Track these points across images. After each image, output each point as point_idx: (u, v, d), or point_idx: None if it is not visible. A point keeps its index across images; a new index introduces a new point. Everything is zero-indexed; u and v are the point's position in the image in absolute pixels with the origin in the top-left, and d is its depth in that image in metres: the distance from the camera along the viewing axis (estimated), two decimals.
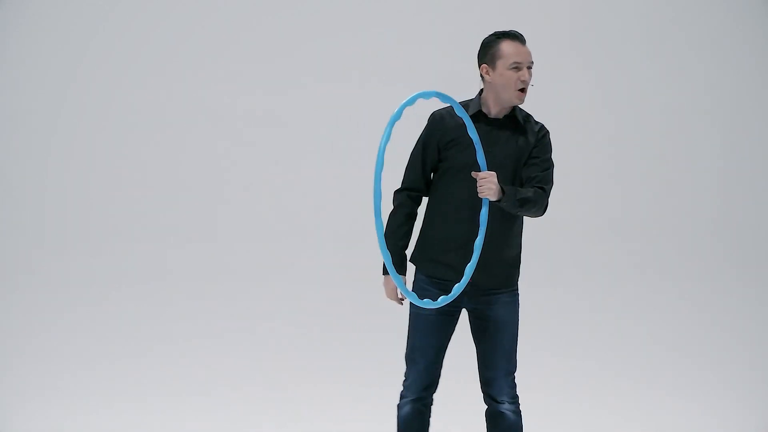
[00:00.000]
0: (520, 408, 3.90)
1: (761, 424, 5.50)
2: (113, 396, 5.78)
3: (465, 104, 3.79)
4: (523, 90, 3.71)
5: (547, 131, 3.87)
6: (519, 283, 3.88)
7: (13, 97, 6.43)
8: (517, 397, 3.91)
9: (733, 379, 5.93)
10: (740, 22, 6.52)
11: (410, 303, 3.80)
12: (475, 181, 3.62)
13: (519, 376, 5.95)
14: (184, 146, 6.44)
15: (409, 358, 3.85)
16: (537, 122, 3.87)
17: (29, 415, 5.59)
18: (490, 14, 6.48)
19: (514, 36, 3.71)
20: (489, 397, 3.89)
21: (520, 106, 3.80)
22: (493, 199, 3.60)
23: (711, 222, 6.44)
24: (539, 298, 6.27)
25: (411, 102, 3.46)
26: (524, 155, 3.77)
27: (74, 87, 6.44)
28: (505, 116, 3.79)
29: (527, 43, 3.75)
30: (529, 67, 3.70)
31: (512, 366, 3.90)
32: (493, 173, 3.59)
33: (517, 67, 3.68)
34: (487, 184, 3.57)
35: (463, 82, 6.40)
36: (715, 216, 6.44)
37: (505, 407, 3.87)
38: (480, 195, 3.60)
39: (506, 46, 3.69)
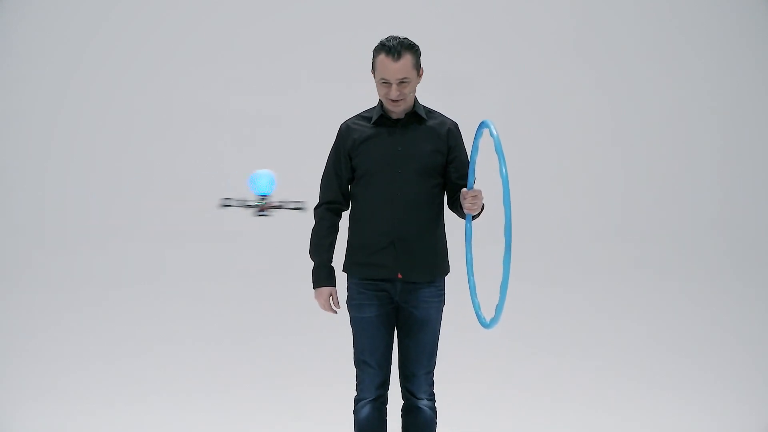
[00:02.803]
0: (436, 405, 3.97)
1: (761, 424, 5.50)
2: (113, 396, 5.78)
3: (369, 112, 3.91)
4: (395, 101, 3.78)
5: (455, 123, 3.95)
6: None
7: (13, 97, 6.43)
8: (434, 394, 3.97)
9: (733, 379, 5.93)
10: (740, 23, 6.52)
11: (349, 308, 3.90)
12: (391, 178, 3.79)
13: (521, 376, 5.97)
14: (183, 146, 6.45)
15: (360, 361, 3.91)
16: (442, 116, 3.95)
17: (29, 415, 5.59)
18: (491, 15, 6.48)
19: (389, 50, 3.75)
20: (408, 392, 3.94)
21: (420, 102, 3.90)
22: (477, 213, 3.77)
23: (711, 222, 6.44)
24: (539, 298, 6.27)
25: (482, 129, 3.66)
26: (434, 148, 3.86)
27: (74, 87, 6.44)
28: (407, 115, 3.87)
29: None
30: (402, 82, 3.76)
31: (432, 364, 3.96)
32: (480, 190, 3.72)
33: (385, 83, 3.77)
34: (479, 201, 3.72)
35: (463, 83, 6.42)
36: (715, 216, 6.44)
37: (424, 403, 3.93)
38: (470, 211, 3.74)
39: (379, 61, 3.78)
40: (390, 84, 3.76)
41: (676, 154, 6.50)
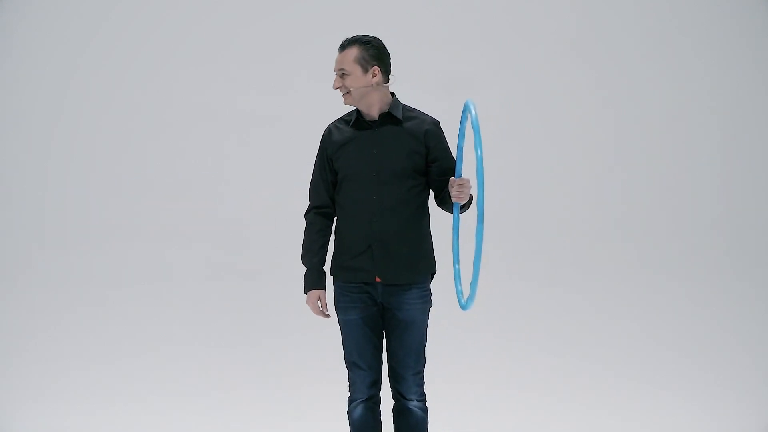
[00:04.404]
0: (427, 405, 3.96)
1: (761, 424, 5.50)
2: (113, 396, 5.78)
3: (349, 115, 3.95)
4: (345, 94, 3.85)
5: (435, 122, 3.93)
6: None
7: (13, 97, 6.43)
8: (424, 394, 3.97)
9: (733, 379, 5.93)
10: (740, 23, 6.51)
11: (336, 311, 3.93)
12: (367, 181, 3.81)
13: (521, 376, 5.97)
14: (183, 146, 6.44)
15: (350, 362, 3.93)
16: (422, 115, 3.93)
17: (29, 415, 5.59)
18: (491, 15, 6.47)
19: (340, 45, 3.86)
20: (398, 393, 3.95)
21: (401, 102, 3.91)
22: (464, 202, 3.77)
23: (711, 221, 6.44)
24: (539, 298, 6.27)
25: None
26: (410, 149, 3.85)
27: (74, 87, 6.44)
28: (381, 116, 3.88)
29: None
30: (343, 75, 3.84)
31: (421, 365, 3.95)
32: (468, 179, 3.71)
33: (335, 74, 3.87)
34: (466, 190, 3.70)
35: (463, 82, 6.41)
36: (716, 216, 6.44)
37: (413, 404, 3.92)
38: (457, 200, 3.72)
39: None
40: (336, 75, 3.84)
41: (676, 153, 6.50)
